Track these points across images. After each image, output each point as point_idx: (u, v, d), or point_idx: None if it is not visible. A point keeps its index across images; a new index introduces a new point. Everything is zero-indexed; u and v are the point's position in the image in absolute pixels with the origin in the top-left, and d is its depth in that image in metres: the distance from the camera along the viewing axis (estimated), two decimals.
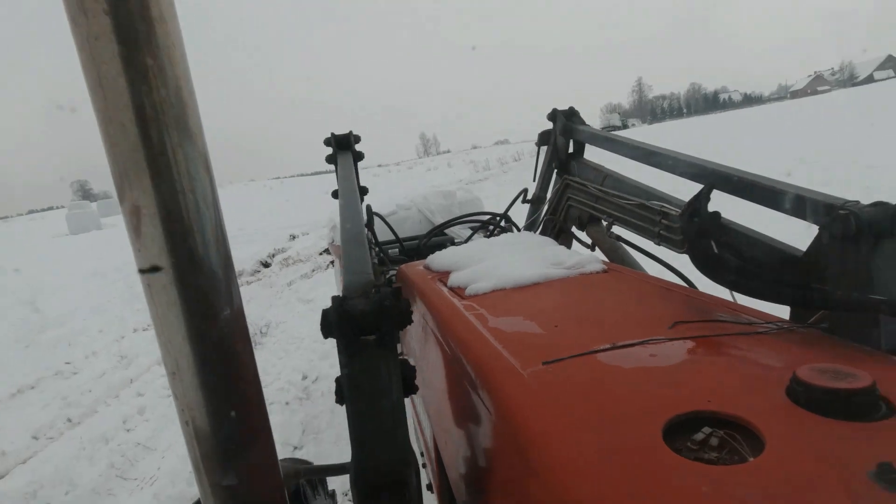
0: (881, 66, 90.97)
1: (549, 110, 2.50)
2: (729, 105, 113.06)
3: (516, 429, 0.74)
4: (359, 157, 2.21)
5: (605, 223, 2.04)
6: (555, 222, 2.40)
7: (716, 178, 1.35)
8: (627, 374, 0.81)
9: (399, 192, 5.70)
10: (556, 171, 2.48)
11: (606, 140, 2.06)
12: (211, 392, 0.57)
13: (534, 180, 2.66)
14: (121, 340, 6.09)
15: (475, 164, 31.89)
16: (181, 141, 0.51)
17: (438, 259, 1.80)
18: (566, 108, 2.43)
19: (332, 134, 2.22)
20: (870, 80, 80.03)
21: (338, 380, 0.85)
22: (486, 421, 0.87)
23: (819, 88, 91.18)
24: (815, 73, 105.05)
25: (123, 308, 7.73)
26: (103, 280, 10.11)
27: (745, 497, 0.51)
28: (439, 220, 3.53)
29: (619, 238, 1.99)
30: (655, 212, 1.62)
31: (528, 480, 0.67)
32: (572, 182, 2.28)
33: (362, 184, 2.24)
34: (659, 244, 1.63)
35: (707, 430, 0.63)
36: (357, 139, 2.23)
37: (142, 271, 0.54)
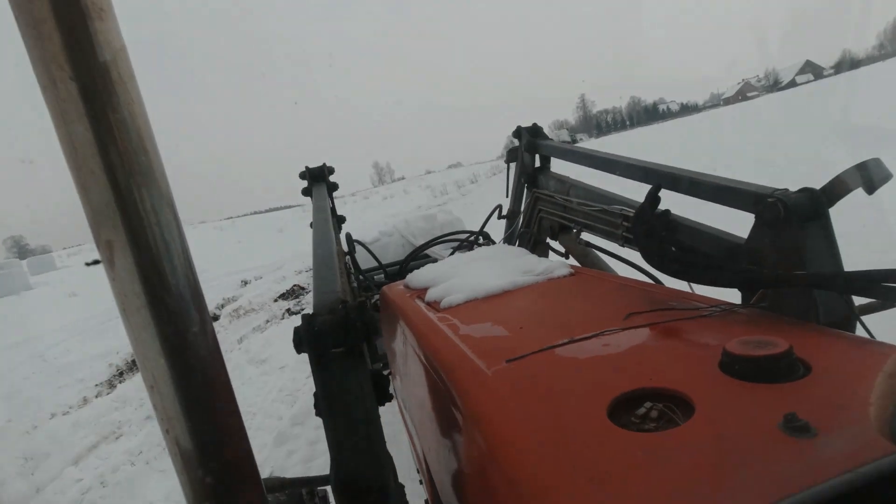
0: (801, 71, 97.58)
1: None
2: (668, 115, 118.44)
3: (482, 426, 0.77)
4: (333, 187, 2.33)
5: (574, 231, 2.14)
6: (529, 234, 2.47)
7: (662, 178, 1.42)
8: (581, 363, 0.89)
9: (367, 219, 5.42)
10: (525, 185, 2.55)
11: (567, 152, 2.16)
12: (187, 401, 0.61)
13: (506, 196, 2.74)
14: (32, 432, 5.07)
15: (432, 189, 31.48)
16: (146, 182, 0.56)
17: (417, 277, 1.84)
18: (529, 125, 2.54)
19: (307, 167, 2.32)
20: (793, 84, 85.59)
21: (316, 394, 0.90)
22: (458, 423, 0.89)
23: (748, 94, 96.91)
24: (744, 80, 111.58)
25: (43, 388, 6.65)
26: (22, 353, 8.90)
27: (673, 456, 0.57)
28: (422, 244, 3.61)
29: (588, 244, 2.09)
30: (616, 215, 1.69)
31: (494, 475, 0.70)
32: (541, 195, 2.36)
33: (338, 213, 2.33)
34: (623, 245, 1.70)
35: (648, 404, 0.69)
36: (331, 171, 2.33)
37: (117, 298, 0.58)
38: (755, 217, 1.13)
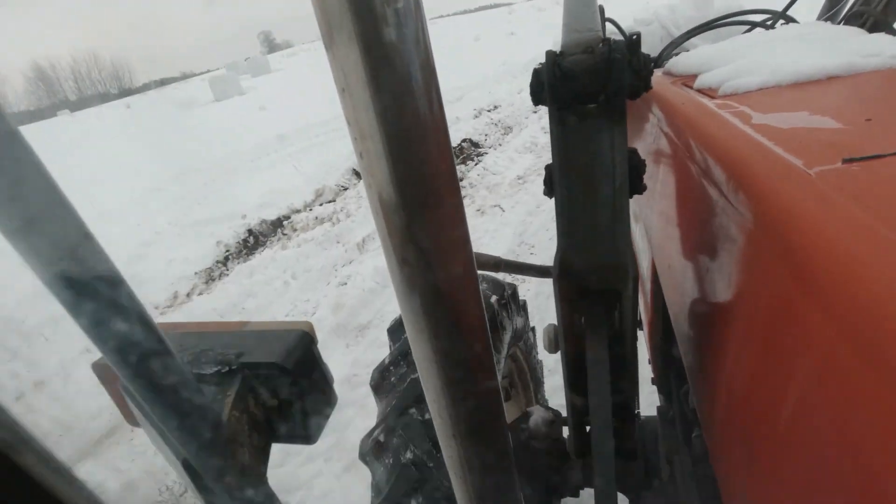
0: None
1: None
2: None
3: (797, 236, 0.56)
4: None
5: None
6: (866, 16, 1.69)
7: None
8: None
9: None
10: None
11: None
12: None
13: None
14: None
15: None
16: None
17: (683, 61, 1.43)
18: None
19: None
20: None
21: (548, 167, 0.73)
22: (738, 233, 0.69)
23: None
24: None
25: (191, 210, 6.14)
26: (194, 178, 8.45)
27: None
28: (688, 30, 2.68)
29: None
30: None
31: (807, 297, 0.51)
32: None
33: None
34: None
35: None
36: None
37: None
38: None
